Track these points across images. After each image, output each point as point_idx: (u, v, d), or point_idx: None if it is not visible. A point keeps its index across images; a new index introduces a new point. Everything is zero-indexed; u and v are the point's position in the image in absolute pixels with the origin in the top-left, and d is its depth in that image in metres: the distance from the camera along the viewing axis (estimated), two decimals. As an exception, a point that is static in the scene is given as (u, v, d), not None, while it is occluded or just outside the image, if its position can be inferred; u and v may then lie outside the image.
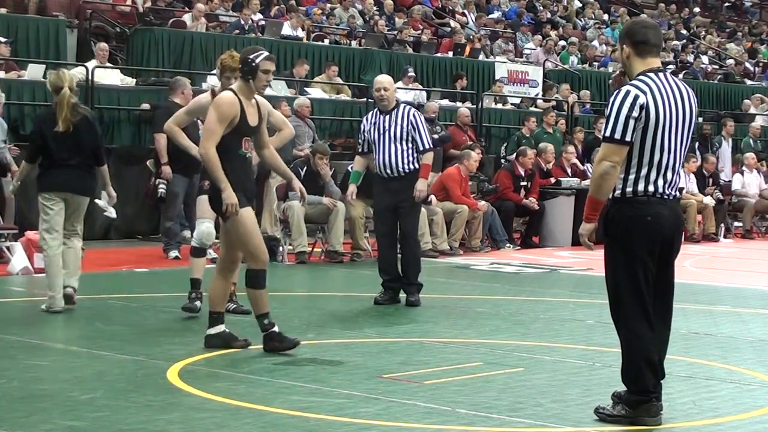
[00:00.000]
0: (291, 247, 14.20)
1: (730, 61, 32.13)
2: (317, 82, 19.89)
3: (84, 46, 18.96)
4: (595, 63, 27.49)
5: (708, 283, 13.28)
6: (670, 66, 28.31)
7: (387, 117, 10.81)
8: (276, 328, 8.01)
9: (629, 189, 6.14)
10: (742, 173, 20.85)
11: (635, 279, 6.13)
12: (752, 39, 35.92)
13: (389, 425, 6.06)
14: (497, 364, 7.86)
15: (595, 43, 29.11)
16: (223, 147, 7.84)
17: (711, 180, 20.25)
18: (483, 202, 16.28)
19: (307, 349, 8.18)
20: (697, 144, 22.50)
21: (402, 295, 10.86)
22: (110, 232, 15.90)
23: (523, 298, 11.64)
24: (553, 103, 22.80)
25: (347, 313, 10.33)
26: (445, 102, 20.92)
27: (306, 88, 19.34)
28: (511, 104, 22.80)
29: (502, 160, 19.11)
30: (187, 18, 20.07)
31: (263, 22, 21.24)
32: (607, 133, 6.08)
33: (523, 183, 17.08)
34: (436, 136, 15.81)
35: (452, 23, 26.35)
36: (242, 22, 20.54)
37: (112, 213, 10.58)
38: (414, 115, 10.86)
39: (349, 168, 14.54)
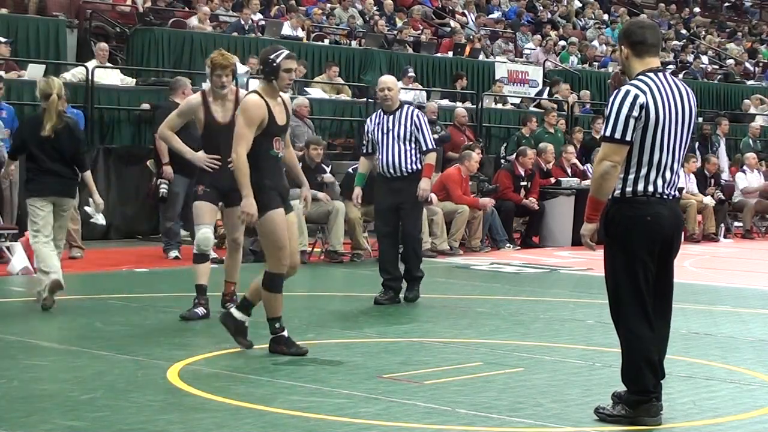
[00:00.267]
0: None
1: (730, 61, 32.14)
2: (317, 82, 19.90)
3: (84, 46, 18.96)
4: (595, 63, 27.50)
5: (708, 283, 13.28)
6: (670, 66, 28.32)
7: (391, 117, 10.85)
8: (285, 333, 8.00)
9: (629, 189, 6.14)
10: (744, 172, 20.83)
11: (635, 279, 6.13)
12: (752, 39, 35.93)
13: (389, 425, 6.06)
14: (497, 364, 7.86)
15: (595, 43, 29.12)
16: (254, 149, 7.78)
17: (713, 180, 20.24)
18: (487, 198, 16.26)
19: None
20: (696, 144, 22.50)
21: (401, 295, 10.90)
22: (110, 232, 15.88)
23: (523, 298, 11.64)
24: (554, 105, 22.80)
25: (347, 313, 10.33)
26: (445, 102, 20.92)
27: (306, 88, 19.34)
28: (511, 104, 22.81)
29: (502, 160, 19.11)
30: (193, 21, 20.05)
31: (263, 22, 21.25)
32: (608, 133, 6.08)
33: (523, 183, 17.08)
34: (436, 136, 15.80)
35: (452, 23, 26.35)
36: (242, 22, 20.54)
37: (99, 219, 10.72)
38: (418, 116, 10.90)
39: (350, 170, 14.62)
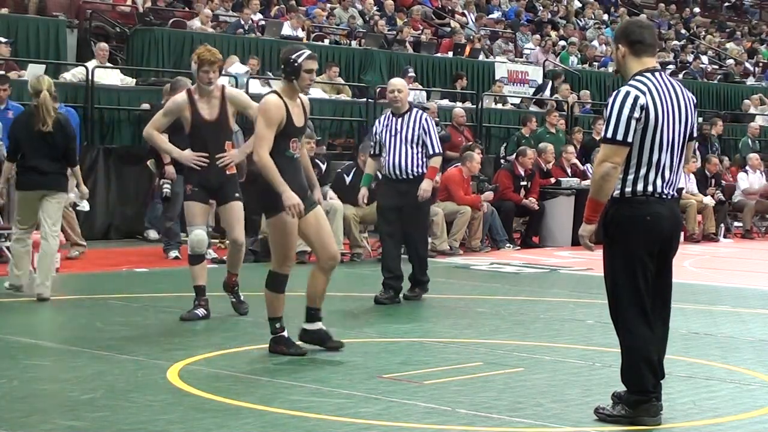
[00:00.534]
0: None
1: (730, 61, 32.13)
2: (317, 82, 19.88)
3: (84, 46, 18.95)
4: (594, 63, 27.50)
5: (708, 283, 13.28)
6: (670, 66, 28.32)
7: (399, 120, 10.91)
8: (285, 333, 7.99)
9: (628, 189, 6.14)
10: (746, 173, 20.81)
11: (634, 279, 6.13)
12: (752, 39, 35.92)
13: (389, 425, 6.06)
14: (497, 364, 7.86)
15: (595, 43, 29.12)
16: (273, 150, 7.74)
17: (713, 180, 20.24)
18: (487, 193, 16.23)
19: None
20: (696, 144, 22.47)
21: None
22: (110, 232, 15.90)
23: (523, 298, 11.64)
24: (554, 103, 22.80)
25: (347, 313, 10.32)
26: (445, 102, 20.92)
27: (306, 88, 19.31)
28: (511, 104, 22.81)
29: (502, 160, 19.11)
30: (195, 23, 20.04)
31: (263, 22, 21.25)
32: (608, 134, 6.07)
33: (523, 183, 17.08)
34: None
35: (452, 23, 26.35)
36: (242, 22, 20.54)
37: (85, 206, 11.50)
38: (426, 120, 10.96)
39: (339, 170, 14.70)
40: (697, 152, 21.49)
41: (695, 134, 6.41)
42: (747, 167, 20.91)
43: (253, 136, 9.33)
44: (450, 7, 27.95)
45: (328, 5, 24.45)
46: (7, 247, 12.77)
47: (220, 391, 6.75)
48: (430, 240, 15.08)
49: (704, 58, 31.80)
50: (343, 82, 20.25)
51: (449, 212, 15.65)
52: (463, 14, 27.84)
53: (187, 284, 9.62)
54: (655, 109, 6.08)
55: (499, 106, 22.30)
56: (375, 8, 25.13)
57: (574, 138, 20.21)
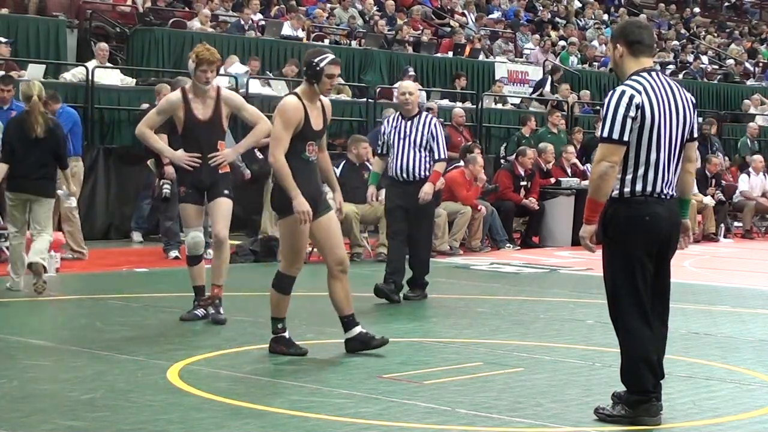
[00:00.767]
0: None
1: (730, 61, 32.13)
2: (317, 82, 19.87)
3: (84, 46, 18.95)
4: (594, 63, 27.50)
5: (708, 283, 13.28)
6: (670, 66, 28.32)
7: (409, 123, 10.94)
8: (286, 334, 7.98)
9: (627, 189, 6.14)
10: (748, 174, 20.78)
11: (633, 279, 6.13)
12: (752, 39, 35.92)
13: (389, 425, 6.06)
14: (497, 364, 7.86)
15: (595, 43, 29.12)
16: (288, 151, 7.71)
17: (714, 181, 20.23)
18: (482, 207, 16.21)
19: (307, 349, 8.18)
20: (696, 144, 22.45)
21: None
22: (110, 232, 15.91)
23: (523, 298, 11.64)
24: (553, 102, 22.80)
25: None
26: (445, 102, 20.92)
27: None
28: (511, 104, 22.81)
29: (502, 160, 19.11)
30: (195, 24, 20.04)
31: (263, 22, 21.24)
32: (605, 134, 6.08)
33: (523, 183, 17.08)
34: None
35: (452, 23, 26.35)
36: (242, 22, 20.54)
37: (72, 202, 12.00)
38: (435, 125, 10.99)
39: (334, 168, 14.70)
40: (697, 152, 21.49)
41: (695, 134, 6.41)
42: (749, 169, 20.86)
43: (249, 135, 9.36)
44: (449, 7, 27.95)
45: (328, 5, 24.45)
46: (8, 247, 12.80)
47: (220, 391, 6.75)
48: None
49: (704, 58, 31.80)
50: (343, 82, 20.24)
51: (450, 212, 15.64)
52: (463, 14, 27.84)
53: (187, 284, 9.61)
54: (651, 108, 6.08)
55: (499, 106, 22.30)
56: (375, 8, 25.13)
57: (574, 138, 20.22)
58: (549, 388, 7.12)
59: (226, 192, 9.21)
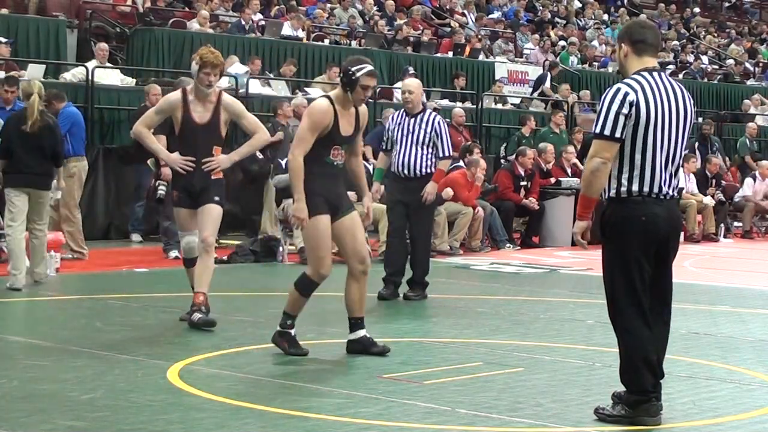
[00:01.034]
0: (291, 247, 14.21)
1: (730, 61, 32.14)
2: (317, 82, 19.90)
3: (84, 46, 18.95)
4: (594, 63, 27.49)
5: (708, 283, 13.28)
6: (670, 66, 28.32)
7: (412, 120, 10.98)
8: (293, 332, 7.95)
9: (624, 189, 6.14)
10: (754, 179, 20.73)
11: (631, 279, 6.13)
12: (752, 39, 35.92)
13: (389, 425, 6.06)
14: (497, 364, 7.86)
15: (595, 43, 29.11)
16: (310, 154, 7.68)
17: (714, 181, 20.23)
18: (480, 209, 16.20)
19: (307, 349, 8.18)
20: (697, 144, 22.49)
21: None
22: (110, 232, 15.91)
23: (523, 298, 11.64)
24: (552, 100, 22.81)
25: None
26: (445, 102, 20.92)
27: (306, 88, 19.35)
28: (511, 104, 22.81)
29: (502, 160, 19.11)
30: (194, 24, 20.04)
31: (263, 22, 21.24)
32: (597, 130, 6.09)
33: (523, 183, 17.08)
34: None
35: (452, 23, 26.35)
36: (242, 22, 20.54)
37: (57, 195, 12.17)
38: (439, 122, 11.02)
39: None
40: (698, 152, 21.50)
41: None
42: (756, 173, 20.80)
43: (246, 144, 9.32)
44: (449, 7, 27.94)
45: (328, 5, 24.45)
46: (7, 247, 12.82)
47: (220, 391, 6.75)
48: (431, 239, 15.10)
49: (704, 58, 31.80)
50: (343, 82, 20.21)
51: (451, 212, 15.65)
52: (463, 14, 27.84)
53: (187, 284, 9.61)
54: (647, 106, 6.08)
55: (499, 106, 22.30)
56: (375, 8, 25.13)
57: (574, 138, 20.21)
58: (549, 388, 7.12)
59: (216, 198, 9.02)
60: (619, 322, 6.22)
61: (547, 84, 23.68)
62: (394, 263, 11.06)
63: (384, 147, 11.30)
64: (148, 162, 14.08)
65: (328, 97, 7.84)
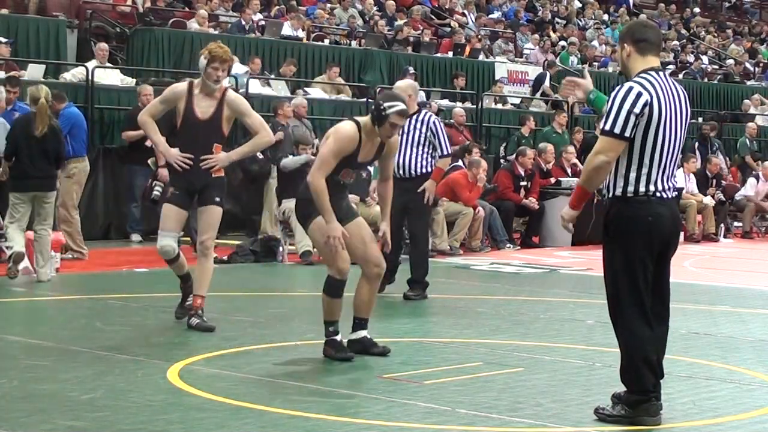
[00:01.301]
0: (291, 247, 14.21)
1: (730, 61, 32.14)
2: (317, 82, 19.90)
3: (84, 46, 18.95)
4: (595, 63, 27.49)
5: (708, 283, 13.28)
6: (670, 66, 28.32)
7: (408, 120, 10.96)
8: (338, 337, 7.89)
9: (630, 189, 6.13)
10: (756, 179, 20.72)
11: (634, 279, 6.13)
12: (752, 39, 35.93)
13: (389, 425, 6.06)
14: (497, 364, 7.86)
15: (595, 43, 29.11)
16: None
17: (714, 181, 20.23)
18: (480, 209, 16.20)
19: (307, 349, 8.19)
20: (696, 144, 22.50)
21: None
22: (110, 232, 15.91)
23: (523, 298, 11.64)
24: (550, 98, 22.81)
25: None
26: (445, 102, 20.93)
27: (306, 88, 19.35)
28: (511, 104, 22.81)
29: (502, 160, 19.11)
30: (193, 24, 20.04)
31: (263, 22, 21.24)
32: (607, 127, 6.04)
33: (523, 183, 17.09)
34: None
35: (452, 23, 26.35)
36: (242, 22, 20.54)
37: None
38: (434, 122, 11.09)
39: None
40: (698, 152, 21.50)
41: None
42: (758, 174, 20.79)
43: (247, 144, 9.25)
44: (450, 7, 27.94)
45: (328, 5, 24.45)
46: (8, 247, 12.80)
47: (220, 391, 6.74)
48: (431, 240, 15.10)
49: (704, 58, 31.80)
50: (343, 82, 20.25)
51: (451, 212, 15.66)
52: (462, 14, 27.84)
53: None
54: (659, 107, 6.08)
55: (499, 106, 22.30)
56: (375, 8, 25.13)
57: (574, 138, 20.22)
58: (549, 388, 7.12)
59: (217, 199, 8.89)
60: (620, 321, 6.22)
61: (547, 83, 23.67)
62: (390, 260, 11.07)
63: None
64: (149, 162, 14.10)
65: (357, 123, 7.76)
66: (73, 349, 8.09)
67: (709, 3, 40.57)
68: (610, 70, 26.29)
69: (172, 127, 9.32)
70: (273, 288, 12.26)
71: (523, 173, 17.09)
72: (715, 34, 35.52)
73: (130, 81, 17.18)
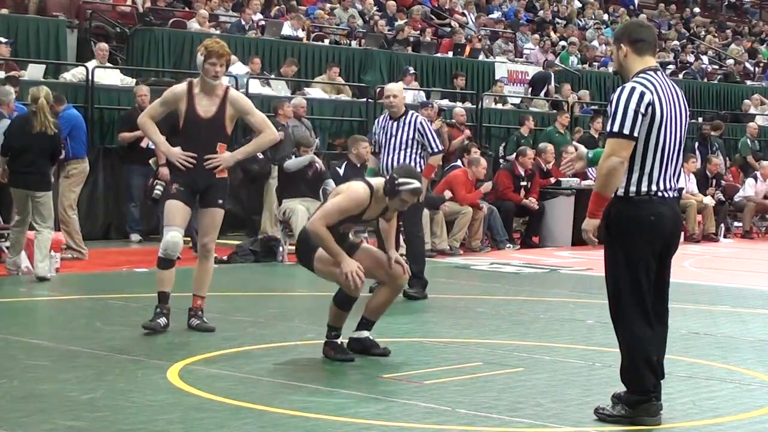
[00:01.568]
0: (291, 247, 14.19)
1: (730, 61, 32.14)
2: (317, 82, 19.91)
3: (84, 46, 18.96)
4: (594, 63, 27.50)
5: (708, 283, 13.28)
6: (670, 66, 28.32)
7: (395, 123, 11.19)
8: (339, 340, 7.89)
9: (633, 188, 6.12)
10: (755, 179, 20.72)
11: (636, 279, 6.13)
12: (752, 39, 35.92)
13: (389, 425, 6.06)
14: (497, 364, 7.86)
15: (595, 43, 29.12)
16: None
17: (714, 181, 20.23)
18: (486, 184, 16.21)
19: (307, 349, 8.19)
20: (696, 144, 22.50)
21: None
22: (110, 232, 15.91)
23: (523, 298, 11.64)
24: (551, 98, 22.81)
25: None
26: (445, 102, 20.93)
27: (306, 88, 19.35)
28: (511, 104, 22.81)
29: (501, 160, 19.11)
30: (193, 25, 20.04)
31: (263, 22, 21.25)
32: (615, 129, 6.02)
33: (523, 183, 17.08)
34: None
35: (452, 23, 26.35)
36: (242, 22, 20.54)
37: None
38: (421, 123, 11.20)
39: (332, 161, 14.89)
40: (698, 152, 21.50)
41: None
42: (757, 174, 20.79)
43: (251, 143, 9.21)
44: (450, 7, 27.95)
45: (328, 5, 24.45)
46: (8, 247, 12.80)
47: (220, 391, 6.74)
48: (430, 240, 15.11)
49: (704, 58, 31.79)
50: (343, 82, 20.25)
51: (450, 212, 15.65)
52: (462, 14, 27.84)
53: (187, 284, 9.57)
54: (660, 106, 6.08)
55: (499, 106, 22.31)
56: (375, 8, 25.13)
57: (574, 138, 20.20)
58: (549, 388, 7.12)
59: (220, 201, 8.78)
60: (621, 321, 6.21)
61: (552, 84, 23.68)
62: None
63: (374, 150, 11.53)
64: (150, 162, 14.11)
65: (371, 188, 7.71)
66: (73, 349, 8.08)
67: (709, 3, 40.57)
68: (610, 69, 26.27)
69: (172, 128, 9.27)
70: (273, 288, 12.26)
71: (523, 173, 17.08)
72: (715, 34, 35.51)
73: (130, 81, 17.17)
